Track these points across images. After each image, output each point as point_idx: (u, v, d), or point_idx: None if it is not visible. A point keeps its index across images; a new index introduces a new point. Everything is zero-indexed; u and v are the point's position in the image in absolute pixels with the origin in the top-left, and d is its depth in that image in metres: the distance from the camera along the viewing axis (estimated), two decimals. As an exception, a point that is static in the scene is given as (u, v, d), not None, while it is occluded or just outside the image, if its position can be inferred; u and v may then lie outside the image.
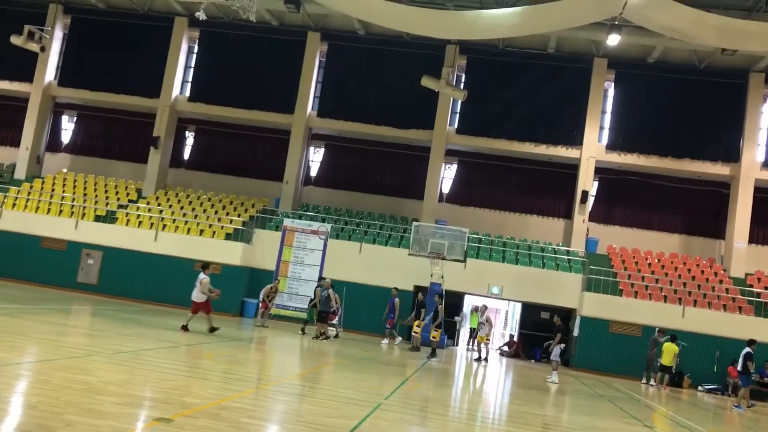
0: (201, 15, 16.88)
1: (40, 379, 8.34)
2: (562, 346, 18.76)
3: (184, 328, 16.76)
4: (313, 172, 32.16)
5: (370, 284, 25.48)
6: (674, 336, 22.03)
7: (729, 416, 16.70)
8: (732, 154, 28.32)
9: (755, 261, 28.18)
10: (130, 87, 31.33)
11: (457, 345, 27.80)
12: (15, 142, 32.60)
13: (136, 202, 29.65)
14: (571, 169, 29.59)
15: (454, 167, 31.40)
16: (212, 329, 16.96)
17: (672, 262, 27.98)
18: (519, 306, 28.71)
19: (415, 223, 26.21)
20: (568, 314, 26.07)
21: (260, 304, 22.99)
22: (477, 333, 23.50)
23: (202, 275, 17.29)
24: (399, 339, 23.89)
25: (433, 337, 20.43)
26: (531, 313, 27.57)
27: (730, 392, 22.69)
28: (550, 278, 25.85)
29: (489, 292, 25.92)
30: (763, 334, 22.60)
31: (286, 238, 25.39)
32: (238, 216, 28.71)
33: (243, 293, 26.03)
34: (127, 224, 27.41)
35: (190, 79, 32.15)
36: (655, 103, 28.87)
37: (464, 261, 25.17)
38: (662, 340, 22.09)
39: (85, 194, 29.86)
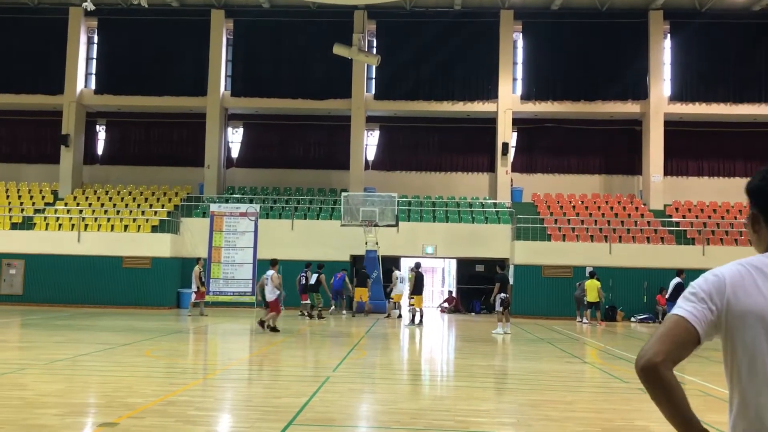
0: (88, 5, 15.95)
1: (-27, 400, 8.01)
2: (503, 295, 18.11)
3: (274, 329, 16.23)
4: (235, 154, 31.62)
5: (306, 260, 25.36)
6: (593, 272, 22.85)
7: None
8: (640, 92, 29.32)
9: (671, 192, 29.45)
10: (31, 85, 29.90)
11: (398, 309, 28.08)
12: None
13: (53, 204, 28.52)
14: (490, 123, 30.05)
15: (377, 133, 31.42)
16: (273, 329, 16.27)
17: (595, 202, 28.95)
18: (454, 262, 29.22)
19: (344, 194, 26.19)
20: (502, 264, 26.74)
21: (193, 295, 21.84)
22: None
23: (270, 272, 16.47)
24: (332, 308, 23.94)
25: (412, 305, 21.61)
26: (466, 268, 28.15)
27: (660, 319, 23.85)
28: (480, 232, 26.37)
29: (423, 252, 26.24)
30: (684, 261, 23.72)
31: (215, 224, 24.92)
32: (162, 207, 28.01)
33: (177, 285, 25.55)
34: (46, 228, 26.36)
35: (93, 71, 30.88)
36: (563, 50, 29.52)
37: (396, 225, 25.39)
38: (585, 280, 22.86)
39: (-4, 202, 28.51)
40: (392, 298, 23.15)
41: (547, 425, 7.35)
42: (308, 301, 22.27)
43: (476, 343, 16.25)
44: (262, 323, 16.34)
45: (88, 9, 16.36)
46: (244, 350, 14.33)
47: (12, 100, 30.14)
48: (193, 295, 21.79)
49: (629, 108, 29.42)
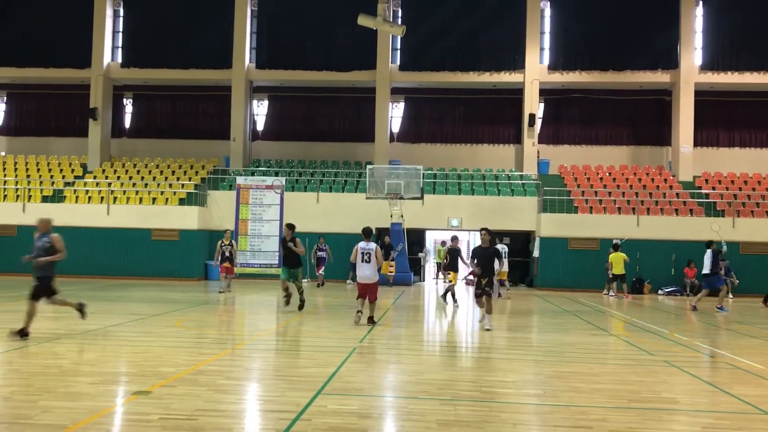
0: None
1: (11, 368, 8.25)
2: (471, 277, 14.00)
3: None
4: (260, 126, 31.71)
5: (331, 232, 25.52)
6: (617, 245, 22.63)
7: (688, 315, 17.43)
8: (671, 61, 28.75)
9: (701, 163, 29.01)
10: (59, 59, 30.20)
11: (423, 281, 28.23)
12: (-55, 130, 31.37)
13: (82, 177, 28.93)
14: (517, 93, 29.73)
15: (402, 105, 31.28)
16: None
17: (622, 174, 28.62)
18: (479, 235, 29.07)
19: (369, 167, 26.19)
20: (527, 236, 26.66)
21: (219, 268, 20.71)
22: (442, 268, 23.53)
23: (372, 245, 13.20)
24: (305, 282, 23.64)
25: (450, 281, 18.35)
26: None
27: (688, 292, 23.65)
28: (506, 204, 26.26)
29: (449, 225, 26.23)
30: (714, 233, 23.42)
31: (241, 196, 25.13)
32: (189, 179, 28.28)
33: (204, 257, 25.88)
34: (76, 201, 26.80)
35: (120, 44, 31.05)
36: (592, 18, 29.03)
37: (422, 198, 25.38)
38: (609, 253, 22.66)
39: (28, 175, 29.01)
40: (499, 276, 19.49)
41: (573, 396, 7.38)
42: (322, 272, 23.14)
43: (501, 315, 16.27)
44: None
45: None
46: (271, 321, 14.51)
47: (41, 74, 30.49)
48: (221, 269, 20.61)
49: (659, 77, 28.89)
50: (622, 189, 27.27)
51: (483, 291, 13.06)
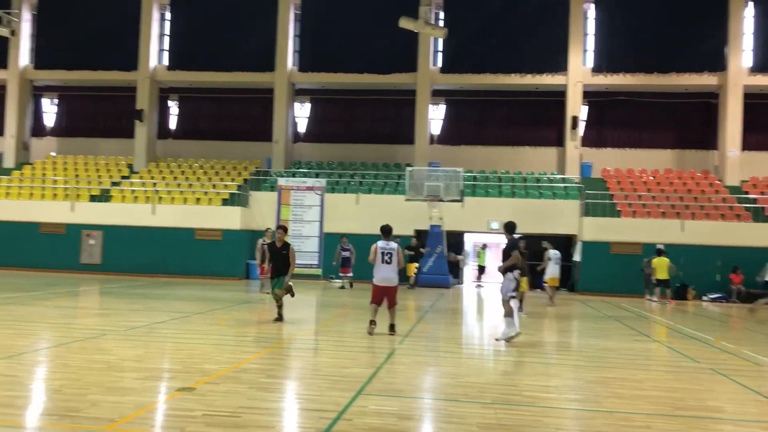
0: None
1: (60, 363, 8.48)
2: (516, 275, 11.57)
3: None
4: (302, 128, 32.00)
5: (371, 233, 25.51)
6: (661, 250, 22.24)
7: (734, 322, 17.04)
8: (718, 63, 28.16)
9: (749, 168, 28.33)
10: (107, 62, 30.93)
11: (462, 283, 28.12)
12: (-1, 131, 32.37)
13: (128, 177, 29.57)
14: (559, 96, 29.45)
15: (442, 107, 31.24)
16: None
17: (667, 178, 28.12)
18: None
19: (408, 168, 26.23)
20: (568, 240, 26.35)
21: (259, 269, 19.91)
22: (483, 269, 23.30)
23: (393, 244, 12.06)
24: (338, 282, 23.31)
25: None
26: (533, 244, 27.72)
27: (735, 299, 23.13)
28: (547, 207, 26.00)
29: (489, 228, 26.08)
30: (761, 239, 22.88)
31: (283, 197, 25.39)
32: (232, 180, 28.69)
33: (246, 256, 26.21)
34: (123, 201, 27.42)
35: (166, 47, 31.67)
36: (637, 20, 28.58)
37: (461, 200, 25.32)
38: (651, 258, 22.28)
39: (76, 175, 29.76)
40: (546, 282, 19.77)
41: (616, 403, 7.29)
42: (351, 274, 22.52)
43: (542, 319, 16.13)
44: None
45: None
46: (311, 321, 14.64)
47: (89, 76, 31.27)
48: (260, 270, 19.90)
49: (705, 80, 28.31)
50: (667, 193, 26.79)
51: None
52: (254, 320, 14.04)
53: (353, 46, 29.79)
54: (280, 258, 13.19)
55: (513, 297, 11.74)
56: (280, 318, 13.18)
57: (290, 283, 13.37)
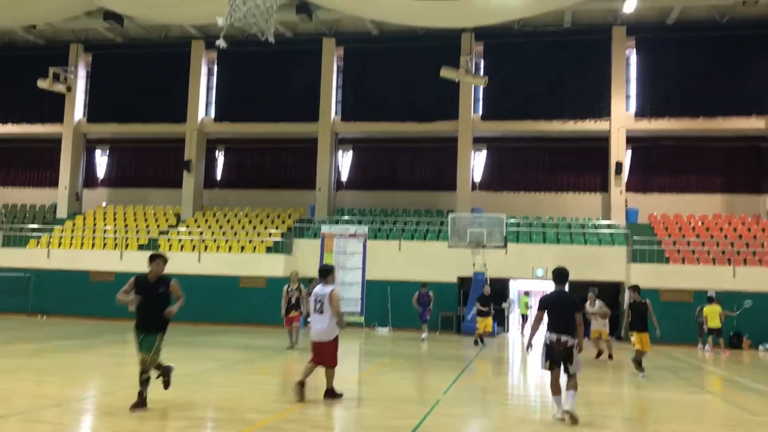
0: (221, 43, 16.51)
1: (105, 412, 8.56)
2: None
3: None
4: (344, 177, 32.35)
5: (413, 280, 25.49)
6: (712, 297, 21.63)
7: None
8: (766, 105, 27.69)
9: (803, 211, 27.54)
10: (157, 115, 31.94)
11: (507, 332, 27.71)
12: (53, 182, 33.46)
13: (176, 226, 30.17)
14: (602, 141, 29.25)
15: (484, 154, 31.31)
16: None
17: (716, 223, 27.49)
18: (566, 286, 28.41)
19: (451, 215, 26.18)
20: (616, 287, 25.80)
21: (285, 321, 17.49)
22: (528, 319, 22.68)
23: (328, 288, 9.78)
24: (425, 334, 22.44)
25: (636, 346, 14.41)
26: (578, 291, 27.23)
27: (793, 348, 22.25)
28: (593, 254, 25.58)
29: (533, 275, 25.74)
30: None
31: (326, 245, 25.56)
32: (276, 228, 29.04)
33: (290, 304, 26.27)
34: (169, 249, 27.90)
35: (213, 100, 32.59)
36: (680, 65, 28.38)
37: (505, 247, 25.08)
38: (703, 306, 21.73)
39: (126, 225, 30.49)
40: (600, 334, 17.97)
41: (669, 458, 7.03)
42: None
43: (590, 369, 15.73)
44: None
45: (221, 47, 16.95)
46: (354, 370, 14.54)
47: (140, 129, 32.33)
48: (285, 321, 17.49)
49: (753, 123, 27.83)
50: (717, 239, 26.14)
51: (557, 360, 8.73)
52: (296, 369, 14.00)
53: (395, 96, 30.20)
54: (153, 298, 8.90)
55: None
56: (140, 403, 8.33)
57: (167, 364, 8.81)
